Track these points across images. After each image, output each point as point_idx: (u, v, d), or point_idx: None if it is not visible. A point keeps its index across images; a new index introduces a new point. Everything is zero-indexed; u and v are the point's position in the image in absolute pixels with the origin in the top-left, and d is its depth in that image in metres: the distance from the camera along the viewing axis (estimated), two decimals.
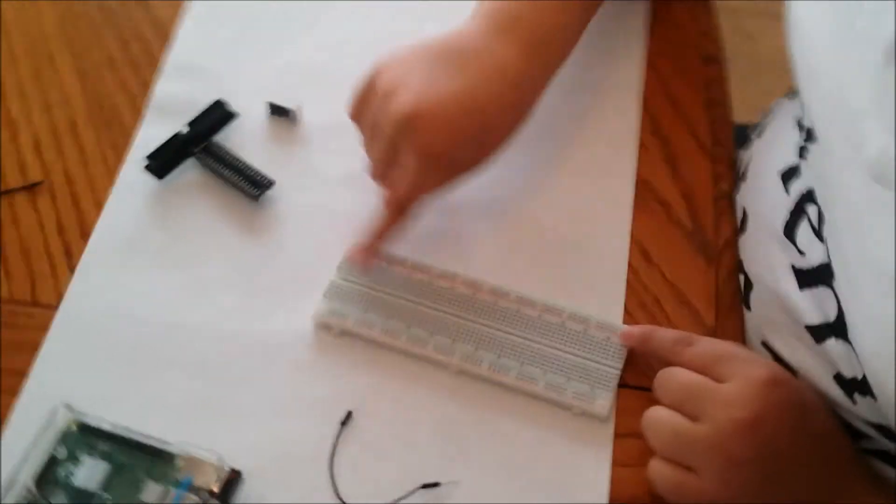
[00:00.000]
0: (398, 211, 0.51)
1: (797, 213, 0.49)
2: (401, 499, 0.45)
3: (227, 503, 0.43)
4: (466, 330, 0.50)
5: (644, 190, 0.56)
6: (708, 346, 0.47)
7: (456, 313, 0.51)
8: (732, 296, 0.54)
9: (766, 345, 0.51)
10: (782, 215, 0.50)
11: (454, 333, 0.50)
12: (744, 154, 0.60)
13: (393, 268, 0.52)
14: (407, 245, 0.53)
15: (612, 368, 0.49)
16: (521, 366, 0.49)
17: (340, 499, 0.45)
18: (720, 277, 0.54)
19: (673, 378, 0.45)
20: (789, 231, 0.49)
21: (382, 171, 0.51)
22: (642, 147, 0.58)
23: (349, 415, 0.48)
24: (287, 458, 0.46)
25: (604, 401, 0.48)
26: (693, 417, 0.43)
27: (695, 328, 0.51)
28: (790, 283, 0.49)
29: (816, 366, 0.47)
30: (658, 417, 0.45)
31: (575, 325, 0.50)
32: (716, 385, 0.44)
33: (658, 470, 0.44)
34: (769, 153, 0.55)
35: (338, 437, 0.47)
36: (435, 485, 0.46)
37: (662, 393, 0.46)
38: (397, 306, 0.51)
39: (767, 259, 0.51)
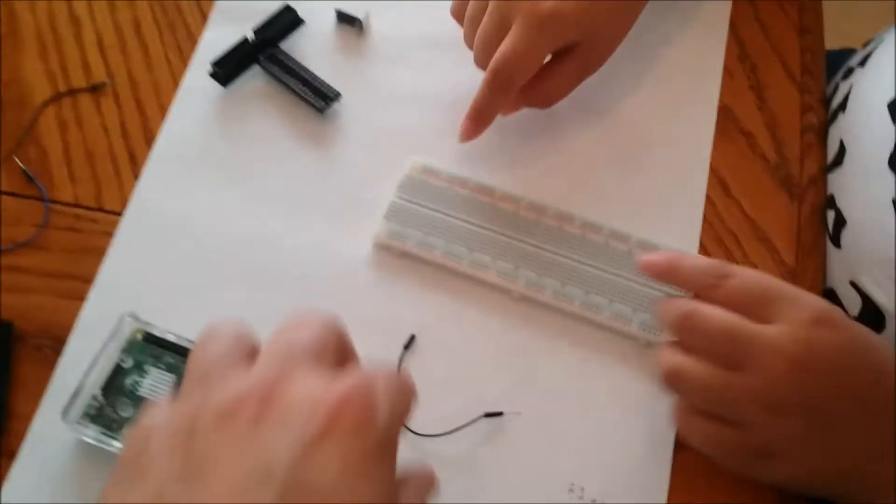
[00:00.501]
0: (501, 85, 0.48)
1: None
2: (463, 426, 0.44)
3: None
4: (530, 255, 0.49)
5: (726, 118, 0.54)
6: (749, 280, 0.41)
7: (520, 238, 0.49)
8: (815, 235, 0.51)
9: (855, 285, 0.49)
10: (888, 147, 0.47)
11: (517, 259, 0.49)
12: (843, 84, 0.57)
13: (455, 188, 0.51)
14: (472, 165, 0.52)
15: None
16: (585, 294, 0.47)
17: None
18: (803, 215, 0.51)
19: (707, 320, 0.40)
20: (894, 163, 0.46)
21: (488, 36, 0.49)
22: (727, 73, 0.55)
23: (412, 338, 0.47)
24: None
25: None
26: (732, 365, 0.40)
27: (773, 268, 0.49)
28: (890, 219, 0.46)
29: None
30: (689, 371, 0.41)
31: (643, 253, 0.48)
32: (759, 328, 0.39)
33: (692, 425, 0.42)
34: (875, 83, 0.52)
35: (400, 360, 0.47)
36: (498, 414, 0.45)
37: (693, 336, 0.41)
38: (459, 229, 0.49)
39: (867, 193, 0.48)
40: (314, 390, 0.28)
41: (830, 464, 0.41)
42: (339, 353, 0.31)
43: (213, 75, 0.54)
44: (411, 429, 0.44)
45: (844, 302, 0.50)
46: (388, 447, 0.29)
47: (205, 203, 0.51)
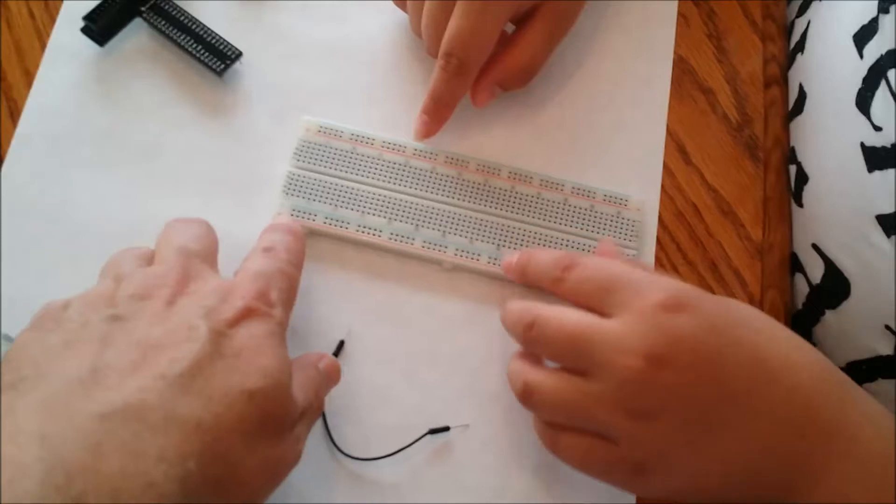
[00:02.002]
0: (457, 70, 0.42)
1: (873, 79, 0.40)
2: (406, 447, 0.39)
3: None
4: (457, 218, 0.43)
5: (682, 72, 0.48)
6: (591, 269, 0.37)
7: (442, 199, 0.43)
8: (782, 203, 0.46)
9: (816, 248, 0.44)
10: (854, 84, 0.42)
11: (444, 224, 0.43)
12: (800, 21, 0.51)
13: (360, 149, 0.44)
14: (395, 129, 0.45)
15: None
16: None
17: (336, 446, 0.39)
18: (768, 182, 0.46)
19: (548, 326, 0.36)
20: (863, 102, 0.41)
21: (435, 18, 0.43)
22: (682, 19, 0.49)
23: (341, 345, 0.41)
24: None
25: None
26: (581, 372, 0.35)
27: (739, 244, 0.44)
28: (858, 165, 0.40)
29: (882, 269, 0.39)
30: (538, 386, 0.36)
31: (579, 201, 0.43)
32: (602, 326, 0.35)
33: (560, 444, 0.36)
34: (836, 14, 0.46)
35: None
36: (444, 429, 0.40)
37: (538, 347, 0.37)
38: (373, 197, 0.43)
39: (832, 140, 0.43)
40: (221, 286, 0.34)
41: (716, 470, 0.34)
42: (216, 252, 0.38)
43: (86, 31, 0.45)
44: (347, 453, 0.39)
45: (807, 268, 0.45)
46: (282, 335, 0.34)
47: (84, 187, 0.43)
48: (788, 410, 0.34)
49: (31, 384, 0.29)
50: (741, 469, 0.34)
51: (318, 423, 0.39)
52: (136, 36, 0.46)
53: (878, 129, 0.39)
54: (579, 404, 0.35)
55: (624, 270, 0.36)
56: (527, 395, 0.36)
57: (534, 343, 0.37)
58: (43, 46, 0.46)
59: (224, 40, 0.46)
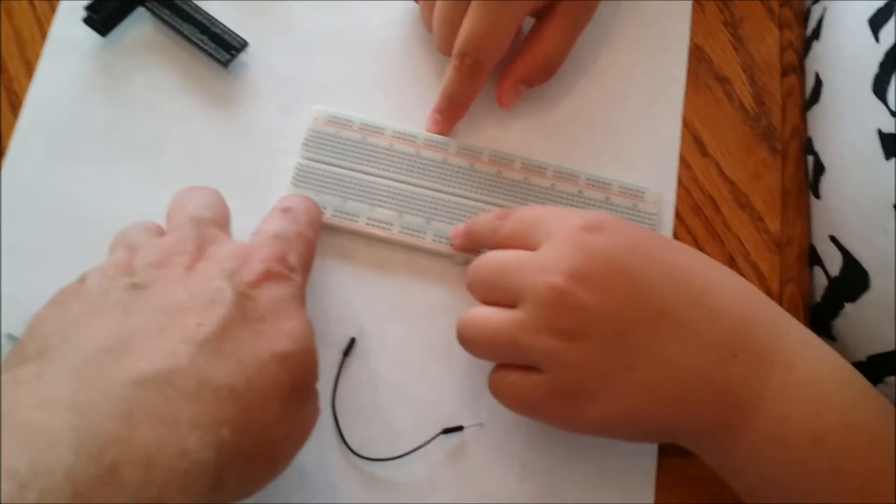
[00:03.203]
0: (472, 70, 0.42)
1: (890, 63, 0.39)
2: (419, 447, 0.38)
3: None
4: (468, 210, 0.42)
5: (698, 61, 0.47)
6: (523, 212, 0.38)
7: (454, 191, 0.42)
8: (800, 194, 0.45)
9: (834, 240, 0.43)
10: (871, 70, 0.40)
11: (455, 216, 0.42)
12: (815, 8, 0.50)
13: (371, 139, 0.43)
14: (406, 120, 0.44)
15: None
16: None
17: (349, 447, 0.38)
18: (787, 173, 0.45)
19: (480, 265, 0.37)
20: (879, 87, 0.40)
21: (447, 16, 0.42)
22: (697, 7, 0.48)
23: (352, 342, 0.40)
24: None
25: None
26: (510, 304, 0.35)
27: (757, 237, 0.43)
28: (875, 153, 0.39)
29: None
30: (469, 321, 0.36)
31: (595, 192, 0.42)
32: (527, 256, 0.35)
33: (496, 382, 0.36)
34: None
35: (340, 368, 0.40)
36: (458, 429, 0.39)
37: (476, 289, 0.37)
38: (383, 188, 0.42)
39: (848, 128, 0.42)
40: (239, 248, 0.33)
41: (644, 395, 0.33)
42: (229, 220, 0.37)
43: (88, 21, 0.44)
44: (360, 454, 0.38)
45: (825, 260, 0.44)
46: (302, 299, 0.34)
47: (87, 183, 0.42)
48: (716, 331, 0.33)
49: (58, 352, 0.28)
50: (672, 392, 0.33)
51: (330, 424, 0.38)
52: (139, 26, 0.45)
53: (894, 114, 0.38)
54: (505, 333, 0.34)
55: (553, 208, 0.38)
56: (460, 335, 0.36)
57: (471, 287, 0.37)
58: (44, 36, 0.45)
59: (229, 30, 0.44)
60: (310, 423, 0.33)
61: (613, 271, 0.33)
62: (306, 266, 0.36)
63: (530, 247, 0.36)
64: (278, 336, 0.31)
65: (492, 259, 0.37)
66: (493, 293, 0.36)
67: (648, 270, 0.34)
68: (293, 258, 0.34)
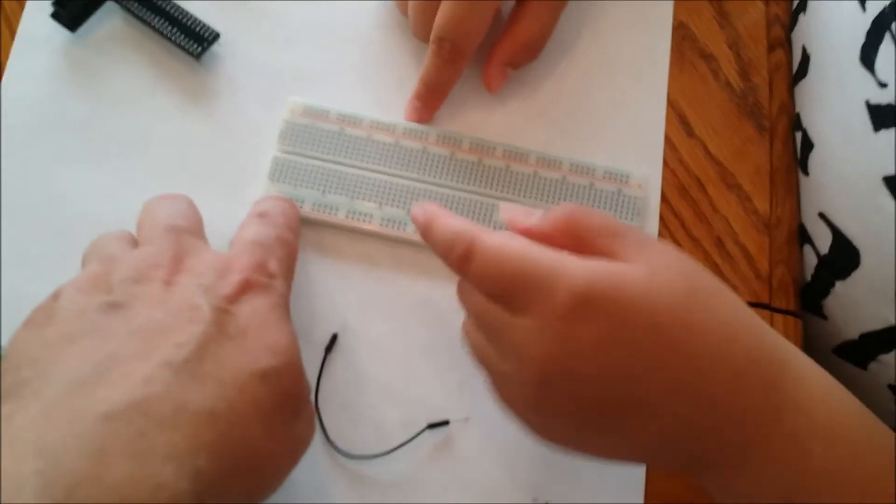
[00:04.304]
0: (450, 55, 0.41)
1: (877, 32, 0.38)
2: (404, 443, 0.38)
3: None
4: (450, 200, 0.41)
5: (682, 38, 0.45)
6: (490, 262, 0.32)
7: (435, 181, 0.42)
8: (788, 173, 0.44)
9: (824, 217, 0.42)
10: (858, 40, 0.40)
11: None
12: None
13: (348, 130, 0.42)
14: (385, 110, 0.43)
15: None
16: None
17: (333, 445, 0.38)
18: (775, 151, 0.44)
19: (465, 301, 0.35)
20: (867, 57, 0.39)
21: (423, 1, 0.41)
22: None
23: (334, 338, 0.39)
24: None
25: None
26: (497, 350, 0.33)
27: (745, 218, 0.43)
28: (864, 125, 0.38)
29: (891, 235, 0.37)
30: (467, 341, 0.35)
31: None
32: (509, 321, 0.32)
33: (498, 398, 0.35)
34: None
35: (322, 365, 0.39)
36: (444, 423, 0.38)
37: (466, 310, 0.35)
38: (362, 181, 0.41)
39: (835, 102, 0.41)
40: (217, 259, 0.33)
41: (618, 455, 0.33)
42: (202, 227, 0.36)
43: (56, 16, 0.43)
44: (345, 451, 0.37)
45: (814, 238, 0.44)
46: (286, 307, 0.33)
47: (66, 181, 0.41)
48: (695, 416, 0.31)
49: (31, 389, 0.27)
50: (640, 457, 0.34)
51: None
52: (109, 20, 0.44)
53: (883, 85, 0.37)
54: (490, 378, 0.34)
55: (527, 258, 0.31)
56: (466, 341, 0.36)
57: (463, 302, 0.35)
58: (13, 34, 0.44)
59: (200, 22, 0.43)
60: (304, 439, 0.32)
61: (595, 368, 0.30)
62: (288, 270, 0.35)
63: (509, 307, 0.32)
64: (258, 352, 0.30)
65: (474, 305, 0.34)
66: (484, 334, 0.34)
67: (631, 366, 0.31)
68: (273, 264, 0.34)
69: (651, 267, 0.31)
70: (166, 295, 0.30)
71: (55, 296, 0.31)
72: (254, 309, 0.31)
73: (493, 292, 0.32)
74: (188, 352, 0.28)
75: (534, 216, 0.34)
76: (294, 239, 0.37)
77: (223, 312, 0.30)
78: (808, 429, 0.32)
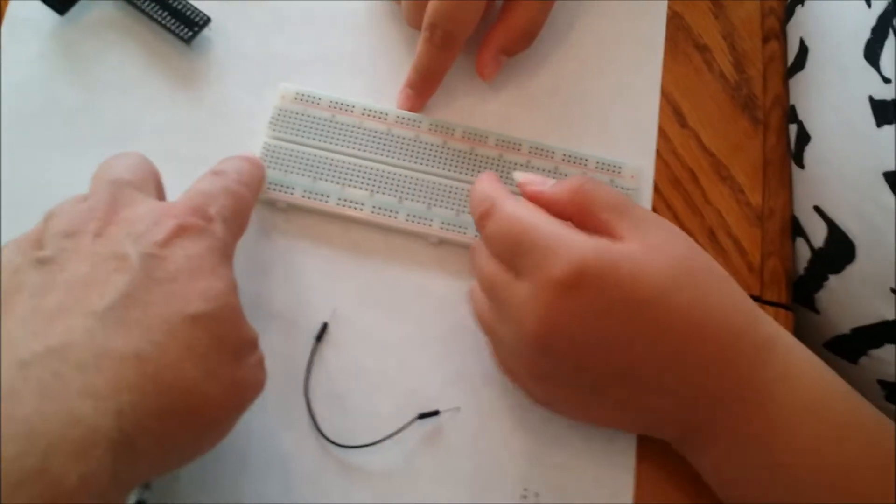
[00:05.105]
0: (443, 43, 0.41)
1: (882, 28, 0.39)
2: (394, 433, 0.37)
3: None
4: (442, 189, 0.41)
5: (677, 29, 0.45)
6: (503, 222, 0.35)
7: (426, 169, 0.41)
8: (782, 165, 0.44)
9: (819, 211, 0.42)
10: (862, 35, 0.39)
11: (428, 195, 0.41)
12: None
13: (340, 117, 0.42)
14: (378, 97, 0.43)
15: None
16: None
17: (323, 435, 0.37)
18: (768, 144, 0.44)
19: (476, 263, 0.37)
20: (871, 53, 0.39)
21: None
22: None
23: (325, 327, 0.39)
24: None
25: None
26: (498, 313, 0.36)
27: (738, 210, 0.42)
28: (865, 120, 0.38)
29: (890, 231, 0.37)
30: (473, 305, 0.38)
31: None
32: (511, 283, 0.34)
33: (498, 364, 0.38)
34: None
35: (312, 355, 0.39)
36: (434, 413, 0.38)
37: (475, 273, 0.38)
38: (354, 168, 0.41)
39: (835, 96, 0.41)
40: (154, 208, 0.32)
41: (613, 422, 0.37)
42: (158, 186, 0.35)
43: (45, 0, 0.42)
44: (335, 441, 0.37)
45: (808, 231, 0.43)
46: (225, 252, 0.32)
47: (56, 168, 0.41)
48: (683, 384, 0.34)
49: None
50: (633, 424, 0.37)
51: (303, 413, 0.38)
52: (98, 3, 0.44)
53: (887, 81, 0.37)
54: (492, 341, 0.37)
55: (535, 227, 0.34)
56: (471, 302, 0.38)
57: (474, 266, 0.38)
58: (0, 17, 0.43)
59: (190, 5, 0.43)
60: (250, 384, 0.31)
61: (584, 336, 0.33)
62: (233, 219, 0.34)
63: (512, 269, 0.34)
64: (189, 297, 0.29)
65: (483, 267, 0.36)
66: (487, 295, 0.36)
67: (621, 334, 0.33)
68: (213, 209, 0.33)
69: (646, 246, 0.33)
70: (95, 247, 0.30)
71: None
72: (187, 253, 0.31)
73: (501, 252, 0.35)
74: (111, 300, 0.28)
75: (547, 184, 0.37)
76: (246, 193, 0.36)
77: (152, 258, 0.30)
78: (796, 403, 0.34)
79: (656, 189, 0.42)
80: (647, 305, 0.32)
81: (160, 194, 0.36)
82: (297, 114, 0.42)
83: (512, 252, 0.34)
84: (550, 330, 0.33)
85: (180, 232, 0.31)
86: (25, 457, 0.24)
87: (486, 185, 0.37)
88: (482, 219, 0.36)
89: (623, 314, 0.32)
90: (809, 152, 0.43)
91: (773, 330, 0.35)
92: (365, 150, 0.41)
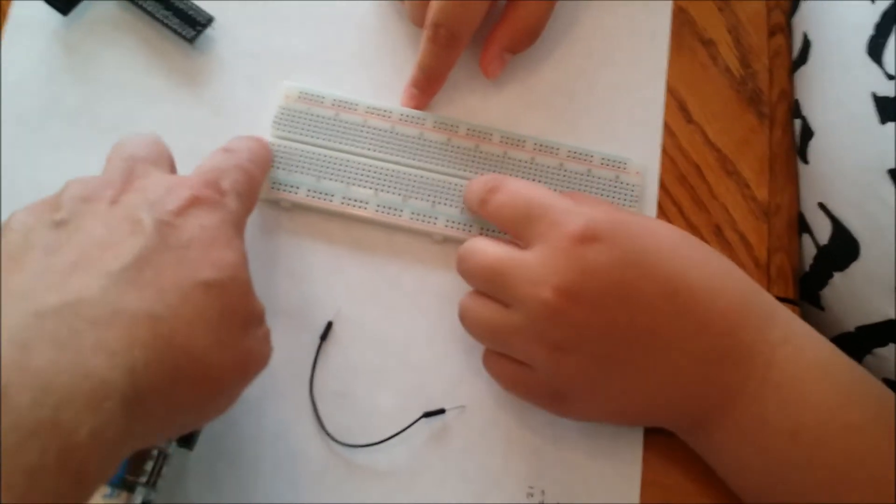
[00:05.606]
0: (447, 41, 0.41)
1: (886, 25, 0.38)
2: (399, 432, 0.37)
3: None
4: (445, 186, 0.41)
5: (682, 23, 0.45)
6: (511, 194, 0.36)
7: (430, 167, 0.41)
8: (788, 160, 0.44)
9: (823, 207, 0.42)
10: (866, 31, 0.39)
11: (432, 193, 0.41)
12: None
13: (344, 115, 0.42)
14: (384, 95, 0.43)
15: None
16: None
17: (329, 434, 0.37)
18: (774, 138, 0.44)
19: (473, 259, 0.37)
20: (875, 49, 0.38)
21: None
22: None
23: (329, 326, 0.39)
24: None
25: None
26: (505, 303, 0.35)
27: (744, 205, 0.42)
28: (869, 116, 0.38)
29: (893, 228, 0.37)
30: (469, 311, 0.37)
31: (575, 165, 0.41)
32: (519, 257, 0.35)
33: (492, 365, 0.38)
34: None
35: (317, 354, 0.39)
36: (439, 412, 0.38)
37: (469, 279, 0.37)
38: (358, 166, 0.41)
39: (838, 92, 0.41)
40: (169, 180, 0.32)
41: (628, 400, 0.36)
42: (171, 165, 0.36)
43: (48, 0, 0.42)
44: (340, 440, 0.37)
45: (813, 228, 0.43)
46: (237, 225, 0.33)
47: (59, 167, 0.41)
48: (702, 343, 0.34)
49: None
50: (655, 400, 0.36)
51: (309, 412, 0.38)
52: (102, 3, 0.43)
53: (891, 77, 0.37)
54: (500, 332, 0.36)
55: (544, 197, 0.36)
56: (460, 317, 0.37)
57: (466, 275, 0.37)
58: (3, 18, 0.43)
59: (194, 5, 0.43)
60: (257, 356, 0.32)
61: (606, 289, 0.33)
62: (245, 194, 0.35)
63: (521, 239, 0.35)
64: (202, 264, 0.30)
65: (483, 255, 0.36)
66: (484, 288, 0.36)
67: (642, 287, 0.34)
68: (227, 184, 0.33)
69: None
70: (111, 211, 0.31)
71: (8, 220, 0.31)
72: (201, 223, 0.31)
73: (510, 221, 0.36)
74: (126, 261, 0.28)
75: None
76: (256, 171, 0.36)
77: (166, 225, 0.30)
78: (801, 365, 0.35)
79: (662, 185, 0.42)
80: (663, 255, 0.34)
81: (173, 172, 0.36)
82: (300, 112, 0.42)
83: (524, 218, 0.35)
84: (570, 285, 0.33)
85: (195, 202, 0.31)
86: (39, 408, 0.24)
87: (487, 175, 0.38)
88: (490, 194, 0.37)
89: (641, 264, 0.34)
90: (813, 148, 0.43)
91: (772, 299, 0.36)
92: (369, 149, 0.41)
